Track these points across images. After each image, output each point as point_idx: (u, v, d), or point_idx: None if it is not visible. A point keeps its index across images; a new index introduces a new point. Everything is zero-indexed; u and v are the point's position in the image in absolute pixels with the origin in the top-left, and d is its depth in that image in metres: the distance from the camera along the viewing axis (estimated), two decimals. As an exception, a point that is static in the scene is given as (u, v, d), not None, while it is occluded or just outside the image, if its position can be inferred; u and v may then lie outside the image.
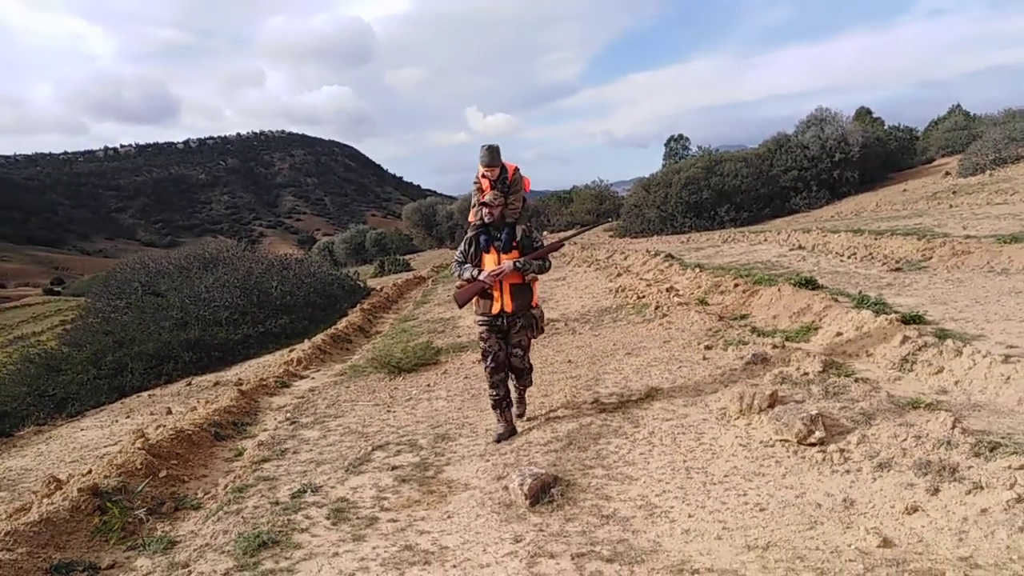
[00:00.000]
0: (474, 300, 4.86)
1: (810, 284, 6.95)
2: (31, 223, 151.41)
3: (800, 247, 10.99)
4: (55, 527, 4.19)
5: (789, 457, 3.67)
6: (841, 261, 9.12)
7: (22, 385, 11.04)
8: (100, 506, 4.56)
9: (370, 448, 5.11)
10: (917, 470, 3.17)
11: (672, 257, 12.18)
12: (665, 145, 43.52)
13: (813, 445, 3.66)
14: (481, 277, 4.73)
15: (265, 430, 6.34)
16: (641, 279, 10.93)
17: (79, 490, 4.61)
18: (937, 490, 2.99)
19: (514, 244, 4.75)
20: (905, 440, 3.43)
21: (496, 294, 4.77)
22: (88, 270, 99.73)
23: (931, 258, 7.90)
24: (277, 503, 4.26)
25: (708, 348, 5.98)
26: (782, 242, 11.95)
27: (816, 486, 3.34)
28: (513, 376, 4.98)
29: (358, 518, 3.87)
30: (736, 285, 8.31)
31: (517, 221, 4.85)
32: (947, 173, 25.90)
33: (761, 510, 3.22)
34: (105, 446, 6.92)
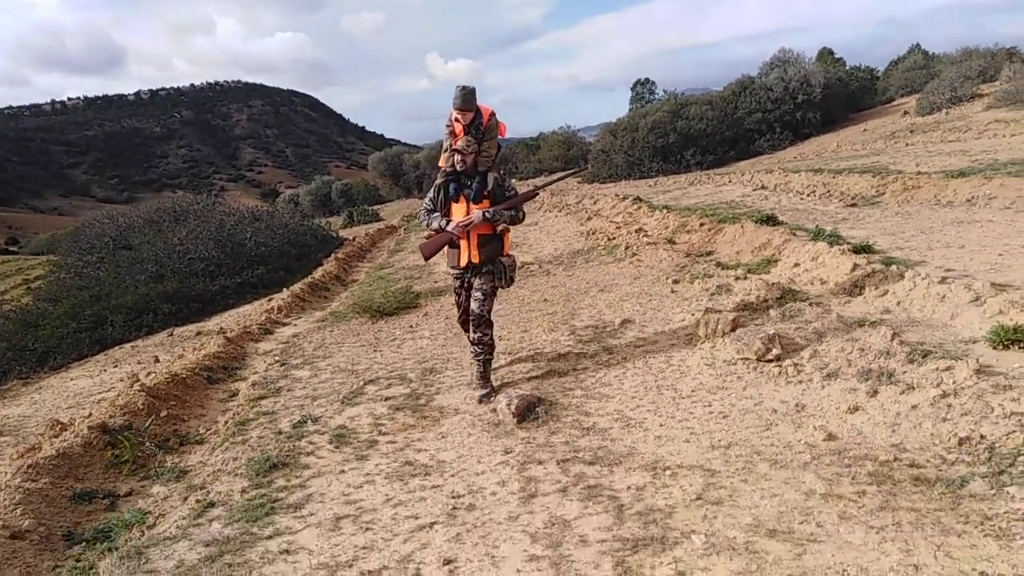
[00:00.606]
0: (444, 251, 4.65)
1: (771, 221, 7.34)
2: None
3: (763, 187, 11.40)
4: (71, 461, 4.46)
5: (749, 372, 4.09)
6: (801, 199, 9.56)
7: (0, 341, 11.09)
8: (110, 442, 4.83)
9: (362, 383, 5.43)
10: (860, 377, 3.60)
11: (640, 200, 12.51)
12: (631, 89, 43.46)
13: (770, 361, 4.07)
14: (449, 228, 4.47)
15: (255, 372, 6.60)
16: (611, 222, 11.26)
17: (89, 428, 4.88)
18: (876, 392, 3.41)
19: (485, 193, 4.48)
20: (851, 353, 3.86)
21: (464, 244, 4.52)
22: (43, 228, 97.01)
23: (884, 194, 8.35)
24: (280, 432, 4.58)
25: (676, 282, 6.36)
26: (746, 183, 12.36)
27: (772, 395, 3.76)
28: (471, 326, 4.63)
29: (359, 441, 4.21)
30: (702, 224, 8.68)
31: (489, 169, 4.57)
32: (905, 112, 26.47)
33: (724, 417, 3.63)
34: (99, 393, 7.14)
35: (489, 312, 4.61)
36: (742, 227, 7.42)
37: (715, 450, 3.28)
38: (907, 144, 15.94)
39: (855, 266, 5.13)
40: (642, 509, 2.87)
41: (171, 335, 10.42)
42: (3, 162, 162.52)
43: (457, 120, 4.55)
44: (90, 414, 5.72)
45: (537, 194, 4.91)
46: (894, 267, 4.89)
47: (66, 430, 5.36)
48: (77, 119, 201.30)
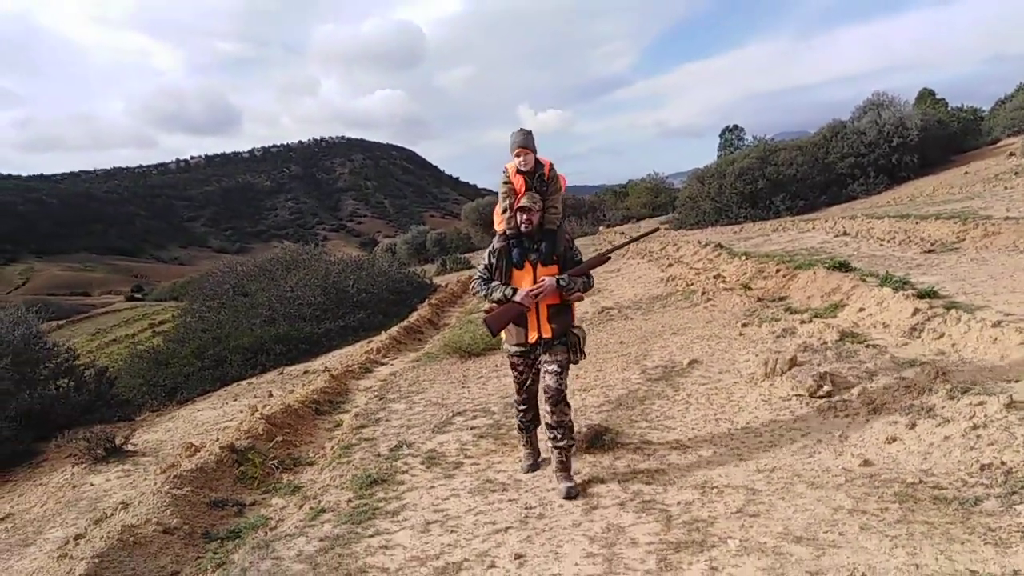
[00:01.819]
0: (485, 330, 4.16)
1: (843, 267, 7.55)
2: (111, 234, 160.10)
3: (845, 233, 11.46)
4: (207, 474, 5.25)
5: (801, 407, 4.42)
6: (880, 245, 9.62)
7: (136, 377, 12.47)
8: (237, 460, 5.63)
9: (451, 414, 6.04)
10: (902, 412, 3.89)
11: (721, 247, 12.77)
12: (720, 136, 43.47)
13: (821, 397, 4.40)
14: (518, 298, 3.93)
15: (357, 406, 7.34)
16: (691, 268, 11.59)
17: (220, 448, 5.70)
18: (915, 425, 3.71)
19: (555, 257, 4.00)
20: (896, 390, 4.14)
21: (531, 317, 4.00)
22: (164, 277, 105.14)
23: (964, 240, 8.37)
24: (379, 455, 5.22)
25: (744, 326, 6.69)
26: (828, 229, 12.41)
27: (819, 427, 4.09)
28: (547, 407, 3.99)
29: (447, 463, 4.79)
30: (777, 270, 8.92)
31: (558, 228, 4.10)
32: (1011, 154, 25.40)
33: (771, 445, 3.99)
34: (223, 422, 8.07)
35: (566, 387, 4.04)
36: (814, 273, 7.65)
37: (760, 473, 3.66)
38: (1006, 188, 15.47)
39: (916, 310, 5.36)
40: (688, 520, 3.29)
41: (281, 373, 11.44)
42: (132, 217, 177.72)
43: (518, 172, 4.10)
44: (218, 438, 6.57)
45: (608, 259, 4.33)
46: (953, 311, 5.10)
47: (199, 451, 6.21)
48: (198, 176, 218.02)
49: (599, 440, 4.52)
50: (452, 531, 3.66)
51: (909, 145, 27.29)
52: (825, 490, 3.32)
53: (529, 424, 4.39)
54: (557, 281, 3.90)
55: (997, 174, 21.50)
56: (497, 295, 4.02)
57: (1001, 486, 2.98)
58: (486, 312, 4.15)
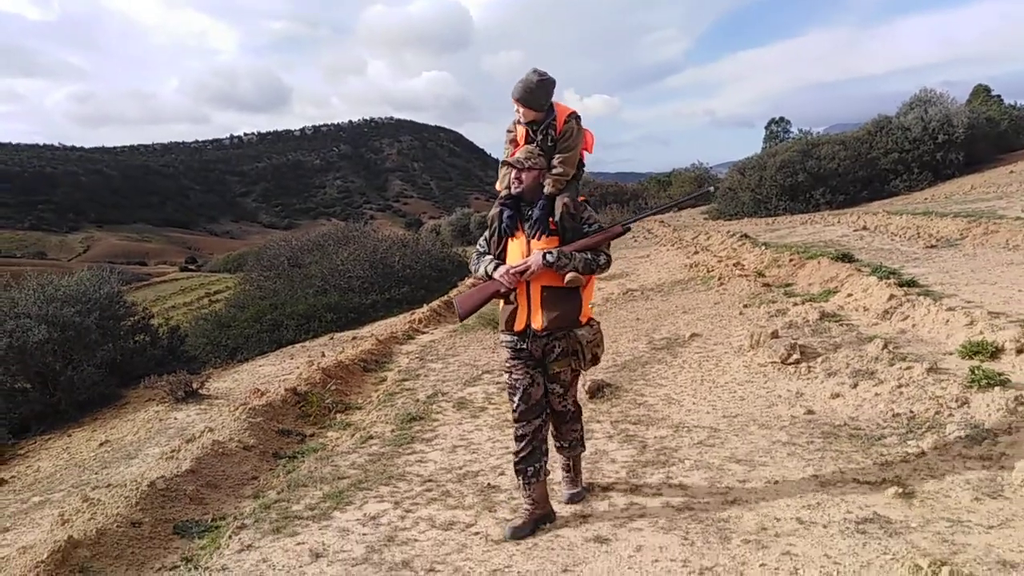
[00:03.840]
0: (499, 307, 3.34)
1: (845, 258, 8.23)
2: (167, 207, 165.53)
3: (864, 228, 12.00)
4: (275, 409, 6.29)
5: (773, 372, 5.22)
6: (891, 240, 10.20)
7: (201, 337, 13.76)
8: (299, 401, 6.67)
9: (480, 372, 6.98)
10: (852, 375, 4.67)
11: (747, 237, 13.42)
12: (765, 128, 43.34)
13: (791, 363, 5.19)
14: (497, 274, 3.18)
15: (399, 365, 8.33)
16: (715, 256, 12.30)
17: (285, 390, 6.75)
18: (856, 385, 4.50)
19: (552, 227, 3.17)
20: (852, 359, 4.92)
21: (521, 302, 3.20)
22: (216, 250, 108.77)
23: (966, 237, 8.93)
24: (418, 400, 6.19)
25: (746, 307, 7.46)
26: (851, 224, 12.94)
27: (783, 387, 4.90)
28: (553, 428, 3.42)
29: (474, 407, 5.73)
30: (790, 260, 9.61)
31: (561, 192, 3.22)
32: (1060, 154, 25.17)
33: (741, 399, 4.82)
34: (283, 375, 9.16)
35: (575, 403, 3.43)
36: (819, 263, 8.35)
37: (724, 418, 4.50)
38: (1039, 188, 15.70)
39: (891, 296, 6.07)
40: (659, 448, 4.15)
41: (332, 338, 12.55)
42: (187, 190, 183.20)
43: (518, 122, 3.33)
44: (280, 385, 7.64)
45: (623, 232, 3.36)
46: (920, 298, 5.81)
47: (264, 394, 7.28)
48: (250, 153, 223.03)
49: (600, 392, 5.41)
50: (474, 452, 4.59)
51: (955, 142, 27.16)
52: (771, 430, 4.15)
53: (525, 465, 3.27)
54: (544, 256, 3.09)
55: (1041, 174, 21.48)
56: (481, 271, 3.30)
57: (903, 428, 3.77)
58: (470, 286, 3.42)
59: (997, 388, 3.77)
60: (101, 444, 7.68)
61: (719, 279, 9.74)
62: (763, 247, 11.55)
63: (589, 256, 3.14)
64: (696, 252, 13.28)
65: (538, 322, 3.16)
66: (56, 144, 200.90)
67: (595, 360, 3.30)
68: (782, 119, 41.94)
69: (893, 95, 30.87)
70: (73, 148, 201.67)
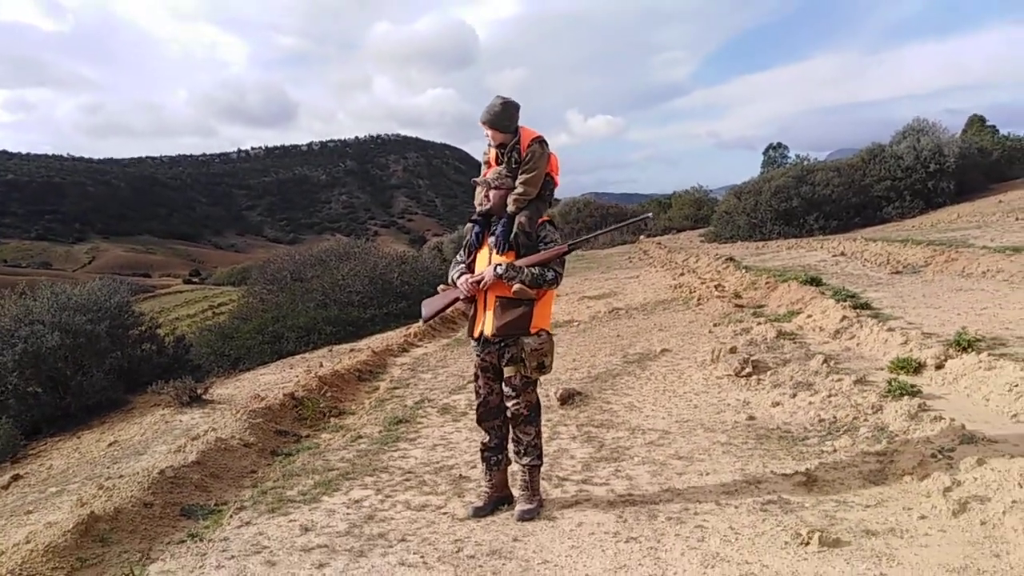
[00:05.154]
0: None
1: (813, 282, 8.75)
2: (173, 219, 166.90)
3: (842, 254, 12.55)
4: (273, 412, 6.80)
5: (727, 383, 5.74)
6: (863, 265, 10.74)
7: (205, 347, 14.31)
8: (296, 405, 7.18)
9: (465, 382, 7.49)
10: (793, 387, 5.19)
11: (732, 260, 13.97)
12: (763, 153, 44.10)
13: (743, 376, 5.71)
14: (459, 283, 3.66)
15: (392, 375, 8.85)
16: (699, 278, 12.83)
17: (283, 395, 7.27)
18: (795, 395, 5.01)
19: (511, 242, 3.55)
20: (797, 372, 5.44)
21: (479, 309, 3.66)
22: (220, 263, 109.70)
23: (929, 264, 9.47)
24: (406, 406, 6.70)
25: (716, 325, 7.98)
26: (832, 249, 13.50)
27: (734, 396, 5.41)
28: (511, 425, 3.72)
29: (456, 412, 6.24)
30: (766, 283, 10.15)
31: (523, 211, 3.57)
32: (1049, 185, 25.72)
33: (695, 407, 5.33)
34: (282, 383, 9.68)
35: (529, 407, 3.64)
36: (789, 286, 8.88)
37: (676, 423, 5.01)
38: (1018, 219, 16.24)
39: (844, 317, 6.60)
40: (614, 447, 4.66)
41: (331, 350, 13.08)
42: (193, 203, 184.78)
43: (490, 145, 3.71)
44: (279, 391, 8.16)
45: (570, 251, 3.64)
46: (868, 319, 6.34)
47: (264, 399, 7.80)
48: (257, 167, 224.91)
49: (571, 399, 5.92)
50: (451, 449, 5.11)
51: (946, 171, 27.76)
52: (715, 433, 4.66)
53: (490, 455, 3.80)
54: (495, 268, 3.47)
55: (1026, 205, 22.02)
56: (450, 278, 3.76)
57: (824, 431, 4.29)
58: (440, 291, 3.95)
59: (906, 397, 4.29)
60: (110, 444, 8.19)
61: (698, 300, 10.28)
62: (744, 270, 12.09)
63: (537, 271, 3.46)
64: (682, 274, 13.83)
65: (489, 328, 3.57)
66: (65, 155, 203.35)
67: (541, 368, 3.56)
68: (780, 144, 42.71)
69: (899, 121, 31.42)
70: (81, 159, 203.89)
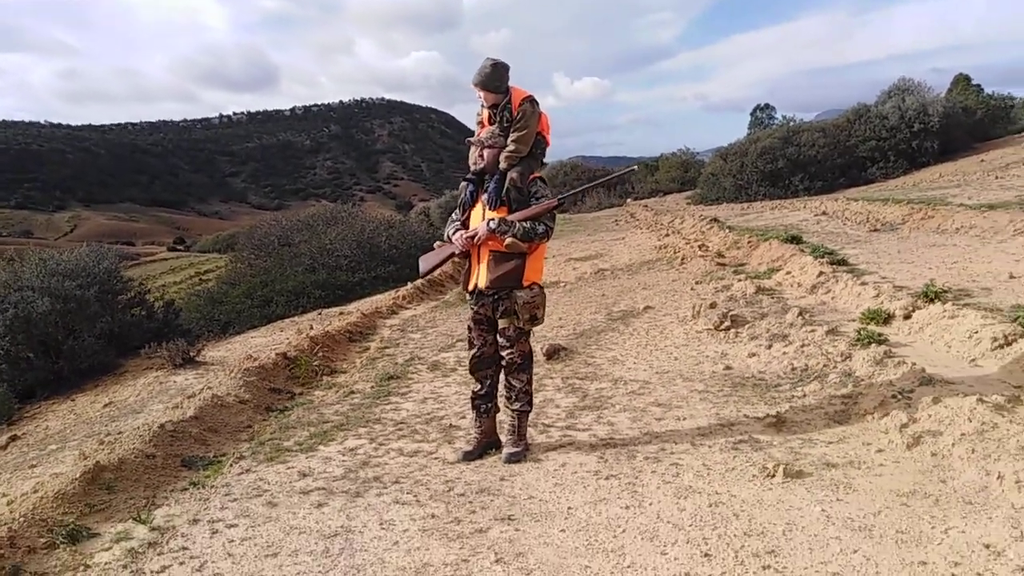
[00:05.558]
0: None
1: (794, 240, 8.94)
2: (156, 186, 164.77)
3: (824, 213, 12.74)
4: (267, 371, 6.97)
5: (707, 337, 5.95)
6: (843, 224, 10.95)
7: (194, 312, 14.41)
8: (288, 364, 7.35)
9: (454, 340, 7.68)
10: (769, 338, 5.40)
11: (716, 221, 14.14)
12: (751, 115, 44.03)
13: (722, 330, 5.92)
14: (453, 239, 3.83)
15: (382, 336, 9.02)
16: (683, 238, 13.01)
17: (276, 354, 7.43)
18: (771, 346, 5.23)
19: (504, 198, 3.71)
20: (773, 325, 5.65)
21: (473, 263, 3.84)
22: (205, 230, 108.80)
23: (906, 222, 9.68)
24: (397, 364, 6.89)
25: (698, 283, 8.18)
26: (814, 209, 13.69)
27: (712, 349, 5.63)
28: (503, 378, 3.95)
29: (445, 369, 6.43)
30: (748, 242, 10.34)
31: (514, 167, 3.72)
32: (1030, 143, 25.96)
33: (675, 359, 5.54)
34: (273, 345, 9.83)
35: (522, 356, 3.85)
36: (770, 244, 9.07)
37: (657, 374, 5.22)
38: (997, 178, 16.47)
39: (820, 273, 6.81)
40: (597, 397, 4.88)
41: (320, 314, 13.21)
42: (175, 170, 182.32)
43: (483, 106, 3.87)
44: (272, 352, 8.32)
45: (559, 205, 3.76)
46: (842, 275, 6.55)
47: (257, 360, 7.96)
48: (240, 132, 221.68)
49: (556, 354, 6.12)
50: (441, 402, 5.31)
51: (930, 131, 27.92)
52: (693, 382, 4.88)
53: (480, 403, 4.03)
54: (488, 224, 3.65)
55: (1008, 163, 22.27)
56: (446, 235, 3.94)
57: (796, 378, 4.51)
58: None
59: (873, 345, 4.51)
60: (106, 405, 8.35)
61: (682, 259, 10.47)
62: (727, 230, 12.27)
63: (528, 225, 3.63)
64: (667, 235, 14.01)
65: (483, 281, 3.73)
66: (42, 121, 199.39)
67: (533, 320, 3.77)
68: (767, 105, 42.66)
69: (886, 82, 31.41)
70: (60, 125, 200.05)
